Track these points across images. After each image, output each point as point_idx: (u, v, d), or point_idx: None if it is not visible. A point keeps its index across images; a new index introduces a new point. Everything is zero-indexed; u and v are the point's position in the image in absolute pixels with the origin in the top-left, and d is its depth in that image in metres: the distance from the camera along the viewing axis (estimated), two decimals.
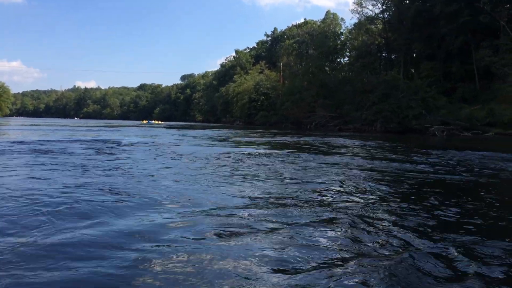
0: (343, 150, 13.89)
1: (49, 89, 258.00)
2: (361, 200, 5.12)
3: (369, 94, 39.12)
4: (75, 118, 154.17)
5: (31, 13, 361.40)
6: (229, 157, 10.47)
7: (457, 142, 22.23)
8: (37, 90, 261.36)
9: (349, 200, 5.14)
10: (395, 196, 5.52)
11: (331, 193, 5.54)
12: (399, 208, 4.71)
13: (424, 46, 48.36)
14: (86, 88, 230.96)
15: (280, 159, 10.16)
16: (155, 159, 9.60)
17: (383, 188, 6.13)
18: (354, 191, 5.74)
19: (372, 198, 5.27)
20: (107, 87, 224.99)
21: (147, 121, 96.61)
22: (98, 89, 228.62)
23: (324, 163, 9.24)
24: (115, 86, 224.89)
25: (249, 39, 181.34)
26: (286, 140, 20.22)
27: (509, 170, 8.73)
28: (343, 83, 51.17)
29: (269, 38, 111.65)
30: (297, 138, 22.42)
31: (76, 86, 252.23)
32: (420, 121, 33.52)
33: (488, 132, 29.76)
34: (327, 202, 4.95)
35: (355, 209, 4.59)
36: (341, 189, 5.91)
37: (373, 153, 13.08)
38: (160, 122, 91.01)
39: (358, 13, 60.11)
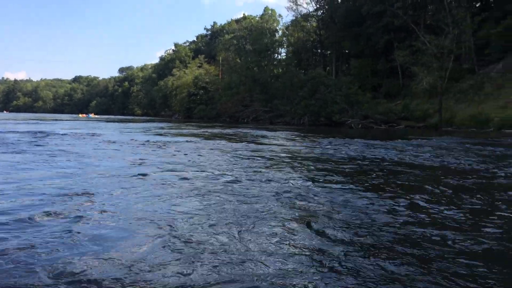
0: (237, 138, 15.81)
1: None
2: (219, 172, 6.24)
3: (298, 89, 40.99)
4: (4, 112, 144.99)
5: None
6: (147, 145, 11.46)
7: (364, 133, 25.01)
8: None
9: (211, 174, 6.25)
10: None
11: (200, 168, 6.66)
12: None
13: (353, 44, 51.19)
14: (15, 80, 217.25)
15: (179, 143, 11.93)
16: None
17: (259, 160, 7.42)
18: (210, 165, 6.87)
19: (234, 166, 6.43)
20: (39, 79, 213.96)
21: (85, 114, 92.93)
22: (29, 81, 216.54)
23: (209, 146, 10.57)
24: (47, 78, 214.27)
25: (190, 32, 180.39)
26: (206, 131, 21.68)
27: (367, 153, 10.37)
28: (275, 79, 53.02)
29: (209, 32, 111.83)
30: (219, 130, 24.25)
31: (5, 78, 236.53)
32: (343, 115, 35.80)
33: (401, 125, 32.59)
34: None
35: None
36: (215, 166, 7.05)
37: (257, 140, 15.48)
38: (96, 115, 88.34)
39: (294, 11, 62.31)
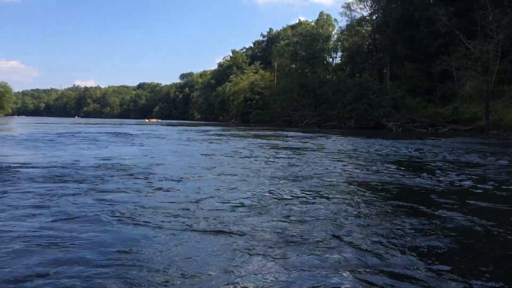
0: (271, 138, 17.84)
1: (49, 88, 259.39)
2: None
3: (346, 94, 42.25)
4: (76, 117, 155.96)
5: (28, 11, 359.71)
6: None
7: (397, 135, 26.34)
8: (37, 89, 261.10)
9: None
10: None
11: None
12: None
13: (407, 47, 51.25)
14: (86, 87, 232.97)
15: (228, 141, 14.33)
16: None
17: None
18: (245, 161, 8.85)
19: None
20: (106, 86, 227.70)
21: (156, 119, 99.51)
22: (97, 88, 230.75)
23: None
24: (114, 85, 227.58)
25: (247, 37, 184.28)
26: (249, 133, 24.42)
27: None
28: (324, 84, 54.54)
29: (265, 39, 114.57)
30: (262, 131, 26.89)
31: (76, 85, 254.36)
32: (389, 119, 36.60)
33: (445, 128, 32.90)
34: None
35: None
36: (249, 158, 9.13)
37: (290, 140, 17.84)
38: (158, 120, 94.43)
39: (347, 16, 63.16)
